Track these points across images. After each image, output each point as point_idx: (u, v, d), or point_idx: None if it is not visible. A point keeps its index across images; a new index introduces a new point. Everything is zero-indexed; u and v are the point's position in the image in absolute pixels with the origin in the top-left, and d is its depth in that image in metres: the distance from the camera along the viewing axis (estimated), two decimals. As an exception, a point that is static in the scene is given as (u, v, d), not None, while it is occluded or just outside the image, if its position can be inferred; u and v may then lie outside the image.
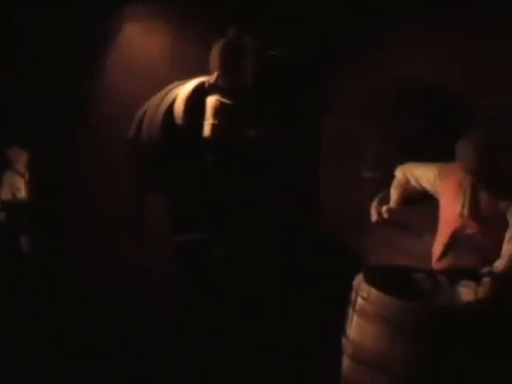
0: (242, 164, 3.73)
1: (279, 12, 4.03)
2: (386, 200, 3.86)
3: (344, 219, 4.21)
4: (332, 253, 4.23)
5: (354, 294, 3.30)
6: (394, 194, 3.85)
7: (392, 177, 3.88)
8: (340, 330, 3.37)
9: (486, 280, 3.36)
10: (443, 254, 3.62)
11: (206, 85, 3.70)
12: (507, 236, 3.48)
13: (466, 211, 3.50)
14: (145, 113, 3.81)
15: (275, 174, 3.94)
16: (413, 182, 3.80)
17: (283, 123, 3.97)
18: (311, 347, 3.95)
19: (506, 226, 3.48)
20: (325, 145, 4.38)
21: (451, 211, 3.56)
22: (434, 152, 3.73)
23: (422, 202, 3.83)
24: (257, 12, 3.98)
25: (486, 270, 3.40)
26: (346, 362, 3.30)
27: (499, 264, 3.41)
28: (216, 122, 3.60)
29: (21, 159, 4.62)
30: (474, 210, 3.49)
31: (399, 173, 3.87)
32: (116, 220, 3.78)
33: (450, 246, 3.60)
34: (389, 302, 3.11)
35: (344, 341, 3.32)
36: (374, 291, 3.17)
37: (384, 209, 3.78)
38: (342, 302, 3.39)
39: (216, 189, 3.69)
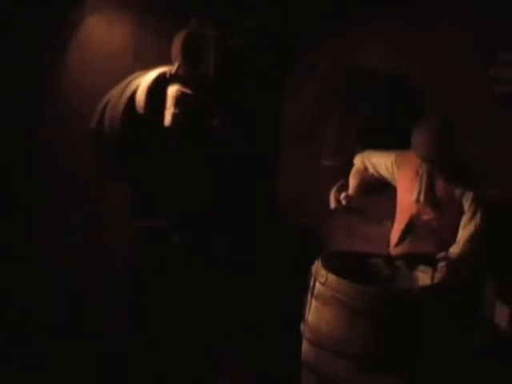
0: (203, 152, 3.77)
1: (240, 2, 4.07)
2: (344, 187, 3.93)
3: (305, 206, 4.27)
4: (292, 239, 4.28)
5: (312, 280, 3.35)
6: (353, 181, 3.92)
7: (351, 165, 3.94)
8: (300, 315, 3.41)
9: (442, 265, 3.43)
10: (400, 240, 3.70)
11: (167, 75, 3.73)
12: (463, 221, 3.56)
13: (422, 198, 3.58)
14: (107, 103, 3.82)
15: (236, 162, 3.99)
16: (371, 170, 3.87)
17: (244, 111, 4.02)
18: (272, 333, 4.00)
19: (461, 212, 3.56)
20: (286, 132, 4.44)
21: (408, 198, 3.64)
22: (392, 140, 3.78)
23: (381, 190, 3.89)
24: (218, 2, 4.01)
25: (441, 254, 3.48)
26: (305, 346, 3.35)
27: (455, 249, 3.50)
28: (176, 110, 3.64)
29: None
30: (430, 197, 3.57)
31: (358, 161, 3.93)
32: (78, 208, 3.80)
33: (407, 232, 3.68)
34: (345, 286, 3.16)
35: (303, 325, 3.36)
36: (331, 276, 3.22)
37: (343, 196, 3.84)
38: (302, 288, 3.42)
39: (177, 176, 3.73)
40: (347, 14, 4.14)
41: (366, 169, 3.89)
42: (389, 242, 3.79)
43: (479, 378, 3.22)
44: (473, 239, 3.48)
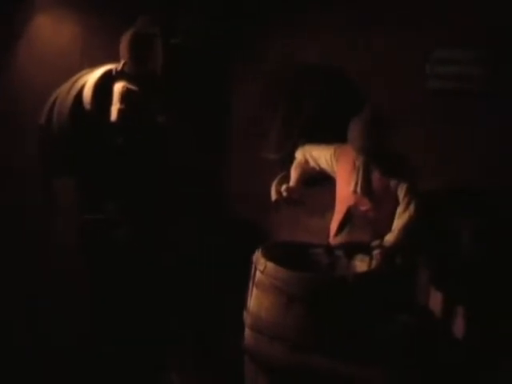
0: (149, 147, 3.87)
1: (185, 1, 4.18)
2: (286, 180, 4.03)
3: (251, 199, 4.37)
4: (238, 231, 4.39)
5: (253, 268, 3.46)
6: (294, 174, 4.03)
7: (293, 158, 4.06)
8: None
9: (377, 252, 3.56)
10: (339, 230, 3.83)
11: (114, 72, 3.82)
12: (398, 212, 3.71)
13: (358, 189, 3.70)
14: (55, 99, 3.89)
15: (183, 157, 4.09)
16: (312, 163, 3.99)
17: (191, 108, 4.13)
18: (216, 322, 4.10)
19: (396, 203, 3.70)
20: (233, 127, 4.54)
21: (346, 189, 3.77)
22: (333, 134, 3.90)
23: (321, 182, 4.01)
24: (163, 1, 4.11)
25: (376, 242, 3.62)
26: (246, 332, 3.45)
27: (389, 237, 3.64)
28: (122, 106, 3.73)
29: None
30: (367, 188, 3.70)
31: (299, 154, 4.05)
32: (26, 203, 3.88)
33: (346, 223, 3.81)
34: (283, 274, 3.28)
35: (245, 313, 3.47)
36: (270, 264, 3.33)
37: (283, 188, 3.92)
38: (246, 278, 3.53)
39: (124, 170, 3.82)
40: (292, 14, 4.25)
41: (306, 162, 4.00)
42: (329, 232, 3.91)
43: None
44: (406, 228, 3.62)
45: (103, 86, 3.78)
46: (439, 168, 3.96)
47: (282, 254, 3.54)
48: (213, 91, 4.36)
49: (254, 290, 3.43)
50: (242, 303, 3.51)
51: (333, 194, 3.93)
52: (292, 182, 4.00)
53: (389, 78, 4.04)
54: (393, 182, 3.67)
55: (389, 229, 3.69)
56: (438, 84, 4.02)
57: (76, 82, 3.87)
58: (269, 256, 3.40)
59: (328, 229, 3.94)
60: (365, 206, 3.73)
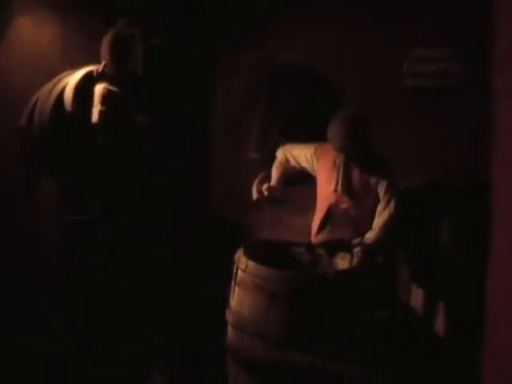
0: (131, 148, 3.88)
1: (169, 2, 4.21)
2: (267, 179, 4.07)
3: (234, 198, 4.39)
4: (221, 230, 4.41)
5: (235, 267, 3.48)
6: (275, 173, 4.06)
7: (274, 157, 4.09)
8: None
9: (357, 250, 3.59)
10: (320, 229, 3.86)
11: (95, 73, 3.83)
12: (378, 209, 3.74)
13: (339, 188, 3.73)
14: (36, 101, 3.90)
15: (165, 157, 4.11)
16: (292, 162, 4.02)
17: (172, 108, 4.15)
18: (199, 320, 4.11)
19: (377, 201, 3.74)
20: (215, 127, 4.57)
21: (326, 188, 3.80)
22: (314, 133, 3.93)
23: (303, 181, 4.04)
24: (147, 2, 4.13)
25: (357, 240, 3.64)
26: (229, 330, 3.47)
27: (370, 235, 3.67)
28: (103, 108, 3.74)
29: None
30: (347, 187, 3.73)
31: (280, 153, 4.08)
32: (8, 203, 3.88)
33: (327, 221, 3.84)
34: (264, 272, 3.30)
35: (227, 311, 3.49)
36: (251, 263, 3.36)
37: (264, 187, 3.96)
38: (229, 277, 3.56)
39: (107, 171, 3.83)
40: (271, 14, 4.28)
41: (287, 161, 4.03)
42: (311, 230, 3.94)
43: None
44: (387, 226, 3.66)
45: (84, 88, 3.79)
46: (418, 166, 4.00)
47: (263, 253, 3.57)
48: (194, 91, 4.38)
49: (236, 288, 3.45)
50: (224, 302, 3.51)
51: (314, 192, 3.95)
52: (273, 181, 4.04)
53: (367, 77, 4.07)
54: (373, 180, 3.70)
55: (370, 226, 3.72)
56: (416, 82, 4.06)
57: (57, 83, 3.88)
58: (250, 255, 3.42)
59: (310, 227, 3.97)
60: (345, 204, 3.76)
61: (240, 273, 3.42)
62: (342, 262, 3.66)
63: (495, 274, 1.75)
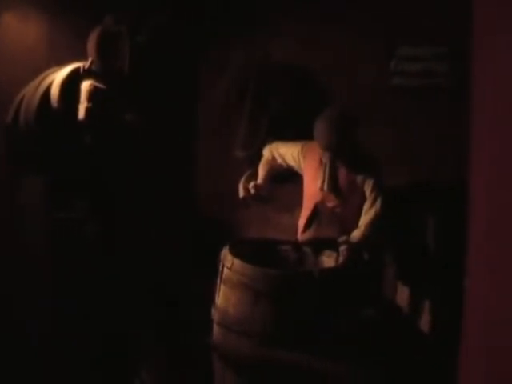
0: (118, 145, 3.88)
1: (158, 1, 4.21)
2: (253, 177, 4.06)
3: (221, 197, 4.39)
4: (208, 229, 4.41)
5: (221, 265, 3.48)
6: (262, 171, 4.07)
7: (261, 156, 4.09)
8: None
9: (343, 248, 3.60)
10: (307, 227, 3.86)
11: (81, 70, 3.82)
12: (364, 208, 3.75)
13: (325, 186, 3.73)
14: (22, 98, 3.88)
15: (152, 154, 4.11)
16: (279, 160, 4.02)
17: (160, 106, 4.15)
18: (185, 319, 4.11)
19: (363, 199, 3.74)
20: (202, 125, 4.57)
21: (313, 186, 3.80)
22: (300, 132, 3.93)
23: (290, 179, 4.04)
24: (135, 1, 4.12)
25: (343, 238, 3.65)
26: (214, 328, 3.49)
27: (356, 233, 3.68)
28: (89, 105, 3.73)
29: None
30: (333, 185, 3.73)
31: (267, 152, 4.08)
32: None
33: (313, 219, 3.84)
34: (249, 270, 3.31)
35: (213, 310, 3.50)
36: (237, 261, 3.36)
37: (251, 185, 3.95)
38: (215, 275, 3.56)
39: (93, 168, 3.83)
40: (255, 14, 4.29)
41: (274, 159, 4.04)
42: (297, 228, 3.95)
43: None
44: (373, 224, 3.66)
45: (71, 85, 3.77)
46: (405, 164, 4.00)
47: (249, 251, 3.58)
48: (181, 90, 4.37)
49: (222, 286, 3.46)
50: (210, 300, 3.51)
51: (301, 191, 3.95)
52: (260, 180, 4.04)
53: (354, 76, 4.07)
54: (359, 178, 3.71)
55: (356, 225, 3.73)
56: (403, 81, 4.07)
57: (43, 80, 3.86)
58: (236, 253, 3.43)
59: (296, 225, 3.97)
60: (331, 202, 3.77)
61: (226, 271, 3.43)
62: (328, 260, 3.67)
63: (472, 272, 1.75)
